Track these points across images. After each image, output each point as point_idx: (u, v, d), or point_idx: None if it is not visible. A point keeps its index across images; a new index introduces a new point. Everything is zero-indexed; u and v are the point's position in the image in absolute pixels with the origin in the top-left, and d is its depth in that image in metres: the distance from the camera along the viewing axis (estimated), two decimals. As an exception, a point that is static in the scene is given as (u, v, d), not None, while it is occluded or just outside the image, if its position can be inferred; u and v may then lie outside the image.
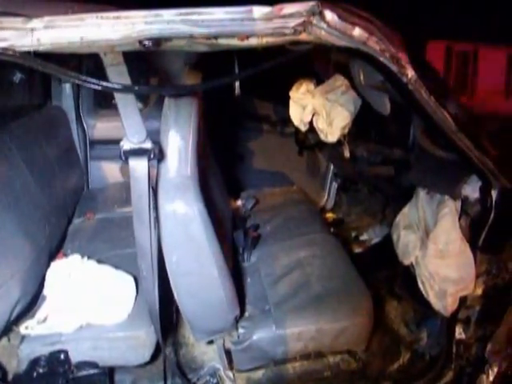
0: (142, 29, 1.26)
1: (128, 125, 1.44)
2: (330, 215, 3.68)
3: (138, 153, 1.45)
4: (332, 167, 3.68)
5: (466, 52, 17.50)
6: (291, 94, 2.97)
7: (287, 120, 3.12)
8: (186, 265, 1.75)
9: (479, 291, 2.00)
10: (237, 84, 4.26)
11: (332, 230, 3.34)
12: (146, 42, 1.29)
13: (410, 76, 1.55)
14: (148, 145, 1.46)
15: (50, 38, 1.23)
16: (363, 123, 2.76)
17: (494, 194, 1.86)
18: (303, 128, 2.98)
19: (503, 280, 1.98)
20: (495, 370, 2.09)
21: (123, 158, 1.45)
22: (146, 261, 1.61)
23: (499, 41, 15.66)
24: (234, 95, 4.27)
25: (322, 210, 3.72)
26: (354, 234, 3.48)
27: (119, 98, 1.40)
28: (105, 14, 1.23)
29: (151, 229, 1.56)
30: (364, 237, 3.40)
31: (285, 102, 3.06)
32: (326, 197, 3.78)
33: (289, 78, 3.05)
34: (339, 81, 2.78)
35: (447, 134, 1.72)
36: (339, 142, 2.89)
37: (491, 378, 2.10)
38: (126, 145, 1.44)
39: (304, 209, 2.95)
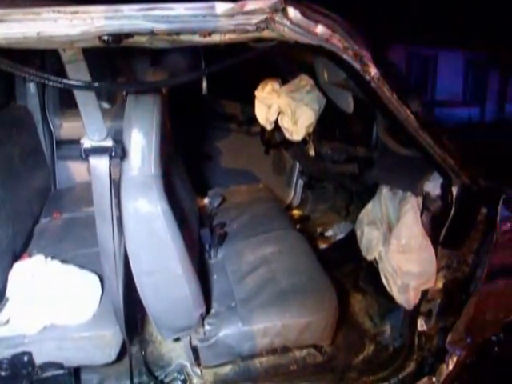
0: (101, 24, 1.23)
1: (88, 123, 1.42)
2: (296, 212, 3.72)
3: (99, 151, 1.44)
4: (298, 165, 3.72)
5: (426, 56, 17.91)
6: (257, 93, 2.98)
7: (254, 119, 3.12)
8: (149, 263, 1.74)
9: (440, 285, 2.05)
10: (204, 84, 4.26)
11: (298, 226, 3.38)
12: (106, 38, 1.27)
13: (372, 74, 1.57)
14: (109, 143, 1.45)
15: (4, 33, 1.20)
16: (328, 122, 2.79)
17: (454, 190, 1.91)
18: (269, 127, 3.00)
19: (463, 273, 2.02)
20: (455, 359, 2.13)
21: (84, 156, 1.44)
22: (109, 260, 1.60)
23: (458, 45, 16.03)
24: (201, 95, 4.27)
25: (288, 207, 3.77)
26: (319, 231, 3.52)
27: (79, 95, 1.39)
28: (62, 9, 1.20)
29: (113, 228, 1.55)
30: (329, 233, 3.44)
31: (251, 101, 3.07)
32: (292, 194, 3.82)
33: (255, 78, 3.06)
34: (304, 80, 2.81)
35: (409, 132, 1.75)
36: (304, 141, 2.92)
37: (451, 367, 2.14)
38: (86, 143, 1.43)
39: (270, 206, 2.98)
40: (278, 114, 2.88)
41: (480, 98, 19.43)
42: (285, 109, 2.80)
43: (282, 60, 2.99)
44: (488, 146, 3.10)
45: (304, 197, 3.83)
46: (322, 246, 3.33)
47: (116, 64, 3.43)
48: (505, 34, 14.71)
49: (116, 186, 1.64)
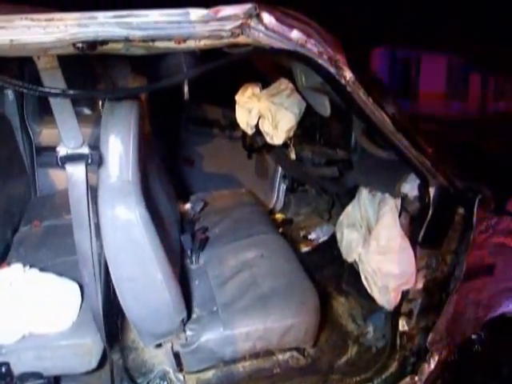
0: (75, 31, 1.24)
1: (64, 130, 1.43)
2: (279, 216, 3.73)
3: (75, 158, 1.45)
4: (280, 169, 3.73)
5: (408, 58, 18.08)
6: (237, 97, 2.98)
7: (236, 124, 3.12)
8: (129, 269, 1.74)
9: (420, 285, 2.07)
10: (185, 88, 4.26)
11: (281, 230, 3.39)
12: (80, 45, 1.27)
13: (347, 78, 1.59)
14: (85, 150, 1.45)
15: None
16: (308, 125, 2.81)
17: (431, 191, 1.93)
18: (250, 131, 3.00)
19: (442, 273, 2.06)
20: (436, 358, 2.16)
21: (60, 163, 1.44)
22: (87, 267, 1.60)
23: (440, 48, 16.23)
24: (183, 100, 4.28)
25: (271, 211, 3.78)
26: (302, 234, 3.53)
27: (54, 103, 1.39)
28: (36, 16, 1.21)
29: (91, 235, 1.55)
30: (312, 236, 3.45)
31: (233, 106, 3.07)
32: (275, 198, 3.82)
33: (236, 82, 3.07)
34: (284, 84, 2.81)
35: (385, 135, 1.77)
36: (285, 145, 2.93)
37: (432, 366, 2.17)
38: (62, 150, 1.43)
39: (252, 210, 2.98)
40: (259, 118, 2.89)
41: (462, 98, 19.65)
42: (265, 113, 2.81)
43: (261, 64, 3.00)
44: (468, 145, 3.14)
45: (287, 200, 3.84)
46: (305, 248, 3.34)
47: (96, 70, 3.41)
48: (487, 35, 14.94)
49: (94, 192, 1.65)
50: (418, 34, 14.77)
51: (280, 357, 2.29)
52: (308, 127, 2.80)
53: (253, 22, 1.37)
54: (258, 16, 1.37)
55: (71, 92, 1.36)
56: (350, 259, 2.34)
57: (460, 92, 19.77)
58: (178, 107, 4.22)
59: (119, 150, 1.67)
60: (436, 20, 14.30)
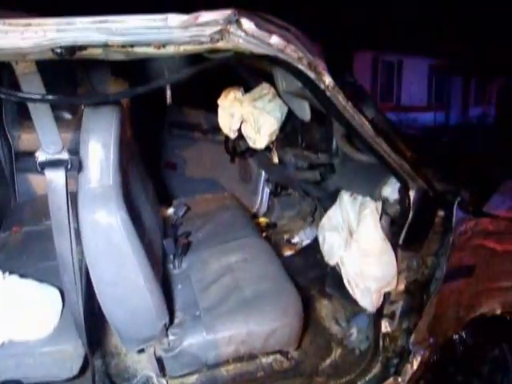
0: (54, 37, 1.23)
1: (43, 135, 1.42)
2: (262, 220, 3.72)
3: (55, 164, 1.44)
4: (263, 173, 3.73)
5: (391, 62, 18.27)
6: (219, 102, 2.99)
7: (218, 128, 3.13)
8: (110, 274, 1.74)
9: (402, 287, 2.09)
10: (168, 93, 4.27)
11: (265, 234, 3.40)
12: (59, 51, 1.27)
13: (327, 82, 1.60)
14: (65, 155, 1.45)
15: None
16: (290, 129, 2.82)
17: (411, 194, 1.95)
18: (232, 135, 3.01)
19: (423, 275, 2.08)
20: (419, 359, 2.17)
21: (39, 169, 1.43)
22: (68, 273, 1.59)
23: (422, 52, 16.43)
24: (166, 104, 4.28)
25: (254, 214, 3.76)
26: (286, 237, 3.53)
27: (33, 108, 1.39)
28: (13, 21, 1.20)
29: (72, 240, 1.54)
30: (296, 239, 3.46)
31: (216, 110, 3.08)
32: (258, 202, 3.81)
33: (219, 86, 3.08)
34: (266, 89, 2.83)
35: (365, 139, 1.78)
36: (268, 149, 2.94)
37: (415, 367, 2.18)
38: (41, 156, 1.43)
39: (235, 214, 2.98)
40: (241, 123, 2.90)
41: (444, 102, 19.88)
42: (247, 117, 2.82)
43: (243, 69, 3.01)
44: (450, 149, 3.18)
45: (270, 204, 3.83)
46: (289, 252, 3.33)
47: (77, 75, 3.40)
48: (467, 40, 15.15)
49: (74, 197, 1.64)
50: (400, 38, 14.93)
51: (264, 360, 2.29)
52: (290, 131, 2.82)
53: (232, 28, 1.38)
54: (238, 22, 1.38)
55: (50, 97, 1.35)
56: (331, 262, 2.35)
57: (442, 95, 20.01)
58: (160, 111, 4.22)
59: (100, 154, 1.67)
60: (418, 24, 14.45)
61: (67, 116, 3.36)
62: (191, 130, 4.09)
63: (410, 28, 14.43)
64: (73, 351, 1.88)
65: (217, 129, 3.19)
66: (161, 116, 4.26)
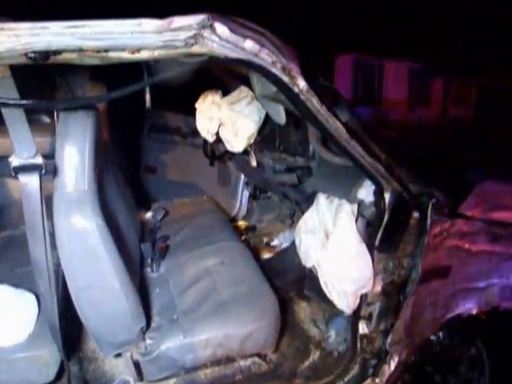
0: (27, 41, 1.24)
1: (17, 140, 1.42)
2: (242, 223, 3.73)
3: (29, 168, 1.44)
4: (243, 176, 3.74)
5: (372, 65, 18.41)
6: (197, 105, 3.00)
7: (198, 131, 3.13)
8: (86, 279, 1.73)
9: (378, 288, 2.10)
10: (147, 96, 4.26)
11: (244, 237, 3.42)
12: (33, 55, 1.27)
13: (301, 86, 1.62)
14: (39, 160, 1.45)
15: None
16: (268, 133, 2.84)
17: (387, 196, 1.97)
18: (210, 139, 3.01)
19: (399, 276, 2.10)
20: (396, 359, 2.20)
21: (13, 174, 1.43)
22: (43, 278, 1.59)
23: (402, 55, 16.61)
24: (145, 107, 4.27)
25: (234, 218, 3.77)
26: (265, 240, 3.54)
27: (6, 113, 1.38)
28: (-15, 26, 1.20)
29: (46, 245, 1.54)
30: (275, 242, 3.47)
31: (195, 113, 3.08)
32: (238, 205, 3.81)
33: (198, 90, 3.08)
34: (244, 92, 2.84)
35: (339, 142, 1.81)
36: (246, 152, 2.96)
37: (392, 368, 2.21)
38: (14, 161, 1.42)
39: (213, 218, 2.99)
40: (219, 126, 2.91)
41: (424, 104, 20.07)
42: (225, 120, 2.83)
43: (222, 72, 3.02)
44: (429, 151, 3.21)
45: (250, 207, 3.84)
46: (268, 255, 3.34)
47: (54, 78, 3.38)
48: (446, 44, 15.36)
49: (49, 202, 1.64)
50: (380, 42, 15.08)
51: (242, 363, 2.29)
52: (268, 134, 2.84)
53: (206, 33, 1.39)
54: (212, 26, 1.40)
55: (23, 102, 1.35)
56: (308, 265, 2.36)
57: (422, 97, 20.20)
58: (140, 115, 4.21)
59: (75, 159, 1.67)
60: (397, 27, 14.62)
61: (46, 120, 3.33)
62: (171, 134, 4.09)
63: (390, 31, 14.60)
64: (49, 357, 1.87)
65: (196, 132, 3.19)
66: (140, 120, 4.25)
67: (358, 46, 15.59)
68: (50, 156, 1.59)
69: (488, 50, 16.50)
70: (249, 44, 1.49)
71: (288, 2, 12.19)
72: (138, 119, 4.24)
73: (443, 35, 15.52)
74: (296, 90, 1.63)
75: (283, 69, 1.58)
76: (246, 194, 3.80)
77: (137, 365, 2.01)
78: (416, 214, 2.02)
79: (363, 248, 2.05)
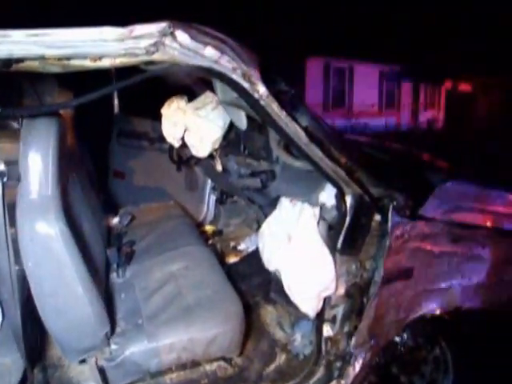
0: (-11, 49, 1.25)
1: None
2: (209, 228, 3.75)
3: None
4: (209, 181, 3.76)
5: (342, 68, 18.57)
6: (163, 111, 3.00)
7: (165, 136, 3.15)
8: (49, 285, 1.73)
9: (342, 291, 2.13)
10: (115, 101, 4.24)
11: (211, 241, 3.44)
12: (-6, 63, 1.28)
13: (261, 92, 1.66)
14: (1, 167, 1.45)
15: None
16: (233, 137, 2.86)
17: (348, 199, 2.01)
18: (176, 144, 3.02)
19: (362, 278, 2.13)
20: (360, 361, 2.23)
21: None
22: (5, 284, 1.58)
23: (372, 58, 16.81)
24: (113, 113, 4.25)
25: (201, 222, 3.79)
26: (232, 244, 3.57)
27: None
28: None
29: (9, 251, 1.54)
30: (242, 246, 3.51)
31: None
32: (205, 210, 3.83)
33: (166, 95, 3.09)
34: (209, 97, 2.86)
35: (299, 146, 1.84)
36: (212, 157, 2.97)
37: (357, 369, 2.23)
38: None
39: (179, 223, 3.00)
40: (185, 131, 2.92)
41: (394, 107, 20.33)
42: (190, 126, 2.84)
43: (188, 77, 3.04)
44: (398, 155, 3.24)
45: (217, 212, 3.87)
46: (235, 259, 3.37)
47: (21, 85, 3.34)
48: (416, 46, 15.61)
49: (13, 208, 1.63)
50: (351, 45, 15.22)
51: (207, 367, 2.30)
52: (233, 139, 2.86)
53: (167, 40, 1.42)
54: (173, 34, 1.42)
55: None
56: (271, 268, 2.39)
57: (392, 101, 20.46)
58: (108, 120, 4.20)
59: (39, 166, 1.67)
60: (368, 30, 14.79)
61: (14, 126, 3.30)
62: (139, 139, 4.09)
63: (360, 35, 14.75)
64: (11, 364, 1.85)
65: (163, 138, 3.20)
66: (109, 125, 4.23)
67: (329, 48, 15.69)
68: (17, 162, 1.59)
69: (457, 53, 16.83)
70: (209, 51, 1.52)
71: (259, 4, 12.23)
72: (106, 124, 4.22)
73: (414, 38, 15.76)
74: (256, 95, 1.66)
75: (243, 75, 1.62)
76: (213, 198, 3.83)
77: (102, 370, 2.00)
78: (377, 217, 2.07)
79: (325, 251, 2.08)
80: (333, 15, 13.96)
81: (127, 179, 4.17)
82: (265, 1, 12.35)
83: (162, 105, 3.07)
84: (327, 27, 14.14)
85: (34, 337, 2.00)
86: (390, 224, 2.05)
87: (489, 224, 2.41)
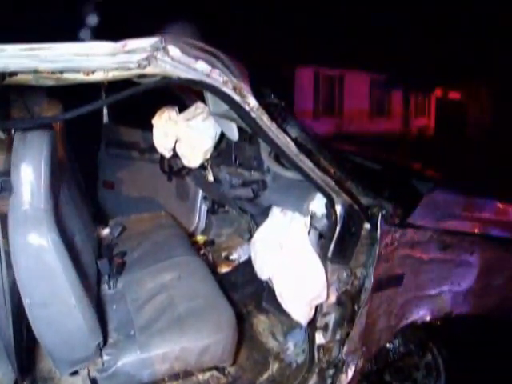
0: (-17, 63, 1.26)
1: None
2: (200, 238, 3.74)
3: None
4: (201, 191, 3.77)
5: (332, 77, 18.65)
6: (154, 121, 3.02)
7: (155, 147, 3.15)
8: (42, 296, 1.73)
9: (333, 299, 2.14)
10: (105, 112, 4.25)
11: (203, 251, 3.43)
12: (-13, 76, 1.29)
13: (251, 104, 1.69)
14: None
15: None
16: (224, 148, 2.87)
17: (337, 209, 2.03)
18: (167, 154, 3.03)
19: (353, 286, 2.15)
20: (353, 368, 2.24)
21: None
22: None
23: (362, 67, 16.91)
24: (103, 123, 4.25)
25: (193, 233, 3.79)
26: (224, 255, 3.57)
27: None
28: None
29: (1, 262, 1.54)
30: (234, 256, 3.51)
31: (153, 128, 3.10)
32: (196, 220, 3.83)
33: (156, 106, 3.10)
34: (200, 108, 2.87)
35: (289, 157, 1.87)
36: (203, 167, 2.99)
37: (350, 377, 2.24)
38: None
39: (171, 233, 3.01)
40: (176, 142, 2.93)
41: (385, 116, 20.44)
42: (181, 136, 2.86)
43: (179, 88, 3.05)
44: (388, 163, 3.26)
45: (208, 222, 3.86)
46: (227, 269, 3.37)
47: (11, 97, 3.35)
48: (406, 53, 15.74)
49: (5, 220, 1.64)
50: (341, 53, 15.31)
51: (200, 377, 2.29)
52: (224, 149, 2.87)
53: (159, 54, 1.45)
54: (165, 48, 1.45)
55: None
56: (263, 277, 2.39)
57: (383, 109, 20.57)
58: (97, 130, 4.20)
59: (31, 177, 1.68)
60: (358, 39, 14.90)
61: (1, 135, 3.30)
62: (128, 149, 4.08)
63: (350, 43, 14.86)
64: (1, 377, 1.84)
65: (154, 148, 3.21)
66: (98, 135, 4.23)
67: (318, 57, 15.78)
68: (6, 173, 1.60)
69: (448, 61, 17.00)
70: (200, 65, 1.55)
71: (247, 13, 12.31)
72: (95, 134, 4.22)
73: (403, 47, 15.90)
74: (247, 108, 1.69)
75: (234, 88, 1.64)
76: (204, 208, 3.82)
77: (94, 382, 1.99)
78: (367, 225, 2.08)
79: (316, 259, 2.09)
80: (322, 24, 14.07)
81: (117, 189, 4.16)
82: (254, 10, 12.44)
83: (151, 115, 3.08)
84: (317, 36, 14.24)
85: (26, 349, 1.99)
86: (379, 232, 2.07)
87: (477, 231, 2.43)
